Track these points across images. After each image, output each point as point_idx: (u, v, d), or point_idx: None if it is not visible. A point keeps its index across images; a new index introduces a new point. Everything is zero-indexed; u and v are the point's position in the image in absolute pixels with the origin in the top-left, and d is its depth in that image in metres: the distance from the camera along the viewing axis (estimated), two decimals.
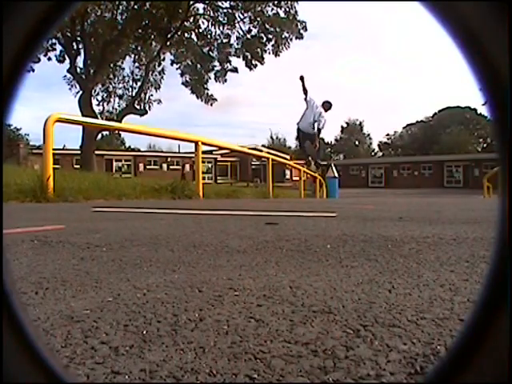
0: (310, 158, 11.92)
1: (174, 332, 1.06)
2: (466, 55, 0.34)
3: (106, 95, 25.11)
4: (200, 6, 22.87)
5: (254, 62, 23.26)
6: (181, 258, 2.04)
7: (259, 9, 22.11)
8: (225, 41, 23.66)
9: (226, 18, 23.05)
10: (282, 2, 21.81)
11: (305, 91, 11.96)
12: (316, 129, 11.27)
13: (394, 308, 1.25)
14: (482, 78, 0.34)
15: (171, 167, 41.90)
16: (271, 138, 71.37)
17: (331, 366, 0.86)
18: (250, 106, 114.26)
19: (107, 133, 42.75)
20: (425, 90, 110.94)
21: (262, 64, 23.36)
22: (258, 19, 22.35)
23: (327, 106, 12.09)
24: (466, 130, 63.19)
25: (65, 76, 23.66)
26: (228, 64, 24.22)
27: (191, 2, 21.72)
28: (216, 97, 25.37)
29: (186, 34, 23.59)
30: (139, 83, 24.31)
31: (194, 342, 0.99)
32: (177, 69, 24.77)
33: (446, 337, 1.02)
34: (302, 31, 22.47)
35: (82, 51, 22.37)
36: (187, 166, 40.69)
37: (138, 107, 23.90)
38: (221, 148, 22.95)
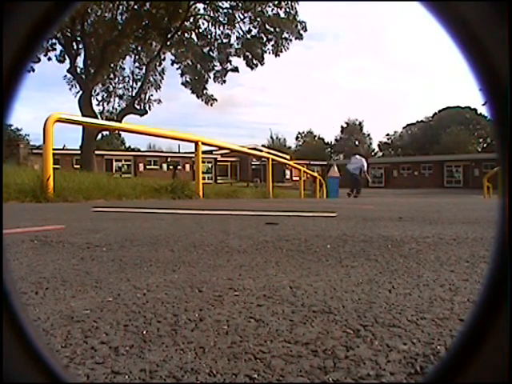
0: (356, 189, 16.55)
1: (174, 332, 1.06)
2: (466, 55, 0.34)
3: (106, 95, 25.12)
4: (200, 6, 22.89)
5: (254, 62, 23.28)
6: (181, 258, 2.04)
7: (259, 9, 22.10)
8: (225, 41, 23.66)
9: (226, 18, 23.04)
10: (283, 3, 21.80)
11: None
12: (359, 170, 16.49)
13: (394, 308, 1.25)
14: (482, 78, 0.34)
15: (171, 167, 41.87)
16: (271, 138, 71.37)
17: (331, 365, 0.86)
18: (249, 105, 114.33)
19: (107, 133, 42.80)
20: (425, 90, 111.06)
21: (261, 64, 23.37)
22: (258, 19, 22.35)
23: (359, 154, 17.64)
24: (466, 130, 63.09)
25: (65, 76, 23.68)
26: (228, 64, 24.23)
27: (191, 2, 21.70)
28: (216, 97, 25.40)
29: (186, 34, 23.58)
30: (139, 83, 24.31)
31: (194, 342, 0.99)
32: (177, 69, 24.80)
33: (446, 337, 1.02)
34: (301, 32, 22.48)
35: (81, 51, 22.37)
36: (187, 166, 40.72)
37: (138, 107, 23.89)
38: (221, 148, 22.94)
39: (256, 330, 1.07)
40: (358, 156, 17.07)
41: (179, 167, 38.33)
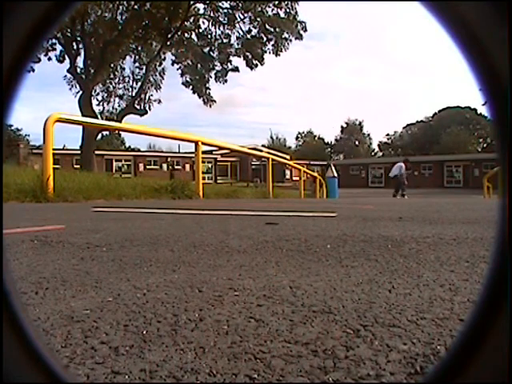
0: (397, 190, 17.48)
1: (174, 332, 1.06)
2: (466, 55, 0.34)
3: (106, 95, 25.14)
4: (200, 6, 22.89)
5: (254, 62, 23.27)
6: (181, 258, 2.04)
7: (259, 9, 22.10)
8: (225, 41, 23.66)
9: (226, 18, 23.04)
10: (283, 3, 21.80)
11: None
12: (398, 175, 17.30)
13: (394, 308, 1.25)
14: (482, 77, 0.34)
15: (170, 167, 41.88)
16: (271, 138, 71.41)
17: (331, 365, 0.86)
18: (249, 106, 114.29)
19: (107, 133, 42.81)
20: (425, 90, 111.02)
21: (261, 64, 23.37)
22: (259, 19, 22.35)
23: (407, 161, 18.26)
24: (466, 130, 63.06)
25: (65, 76, 23.70)
26: (228, 64, 24.23)
27: (191, 2, 21.69)
28: (216, 97, 25.45)
29: (186, 34, 23.58)
30: (139, 83, 24.31)
31: (194, 342, 0.99)
32: (177, 69, 24.80)
33: (446, 337, 1.02)
34: (301, 32, 22.49)
35: (82, 51, 22.38)
36: (187, 166, 40.74)
37: (138, 107, 23.89)
38: (221, 148, 22.93)
39: (256, 330, 1.07)
40: (397, 163, 18.05)
41: (178, 167, 38.36)
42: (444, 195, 20.56)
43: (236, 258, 2.07)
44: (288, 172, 44.20)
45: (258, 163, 43.87)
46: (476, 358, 0.34)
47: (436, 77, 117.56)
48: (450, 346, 0.97)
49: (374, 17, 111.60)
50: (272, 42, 22.76)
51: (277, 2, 21.82)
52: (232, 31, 23.32)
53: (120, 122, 19.23)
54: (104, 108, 25.12)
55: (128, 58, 24.55)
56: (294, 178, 37.53)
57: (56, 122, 6.79)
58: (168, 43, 22.64)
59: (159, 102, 25.26)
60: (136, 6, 21.34)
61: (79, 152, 21.89)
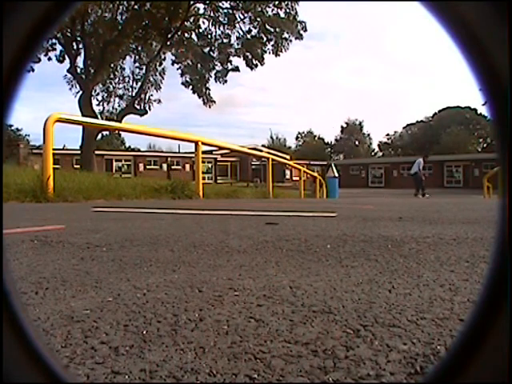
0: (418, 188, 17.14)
1: (174, 332, 1.06)
2: (466, 55, 0.34)
3: (106, 95, 25.11)
4: (200, 6, 22.88)
5: (254, 62, 23.27)
6: (181, 258, 2.04)
7: (259, 9, 22.10)
8: (225, 41, 23.65)
9: (226, 18, 23.04)
10: (283, 3, 21.80)
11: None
12: (418, 171, 16.96)
13: (394, 308, 1.25)
14: (482, 77, 0.34)
15: (171, 167, 41.92)
16: (271, 138, 71.39)
17: (331, 365, 0.86)
18: (249, 105, 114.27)
19: (107, 133, 42.81)
20: (425, 90, 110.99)
21: (261, 64, 23.37)
22: (259, 19, 22.34)
23: (425, 155, 18.33)
24: (466, 130, 63.03)
25: (65, 76, 23.68)
26: (229, 64, 24.23)
27: (191, 2, 21.69)
28: (216, 97, 25.47)
29: (186, 34, 23.57)
30: (139, 83, 24.31)
31: (194, 342, 0.99)
32: (177, 69, 24.79)
33: (446, 337, 1.02)
34: (301, 32, 22.48)
35: (82, 51, 22.37)
36: (187, 166, 40.75)
37: (138, 107, 23.87)
38: (221, 148, 22.92)
39: (256, 330, 1.07)
40: (417, 160, 17.56)
41: (178, 167, 38.34)
42: (444, 195, 20.57)
43: (236, 257, 2.07)
44: (288, 172, 44.20)
45: (258, 163, 43.86)
46: (476, 357, 0.34)
47: (436, 77, 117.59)
48: (450, 345, 0.97)
49: (374, 17, 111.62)
50: (272, 42, 22.75)
51: (277, 2, 21.81)
52: (232, 31, 23.33)
53: (120, 122, 19.22)
54: (104, 108, 25.13)
55: (128, 58, 24.55)
56: (294, 178, 37.54)
57: (56, 122, 6.79)
58: (168, 43, 22.63)
59: (159, 102, 25.26)
60: (136, 6, 21.33)
61: (79, 152, 21.88)
